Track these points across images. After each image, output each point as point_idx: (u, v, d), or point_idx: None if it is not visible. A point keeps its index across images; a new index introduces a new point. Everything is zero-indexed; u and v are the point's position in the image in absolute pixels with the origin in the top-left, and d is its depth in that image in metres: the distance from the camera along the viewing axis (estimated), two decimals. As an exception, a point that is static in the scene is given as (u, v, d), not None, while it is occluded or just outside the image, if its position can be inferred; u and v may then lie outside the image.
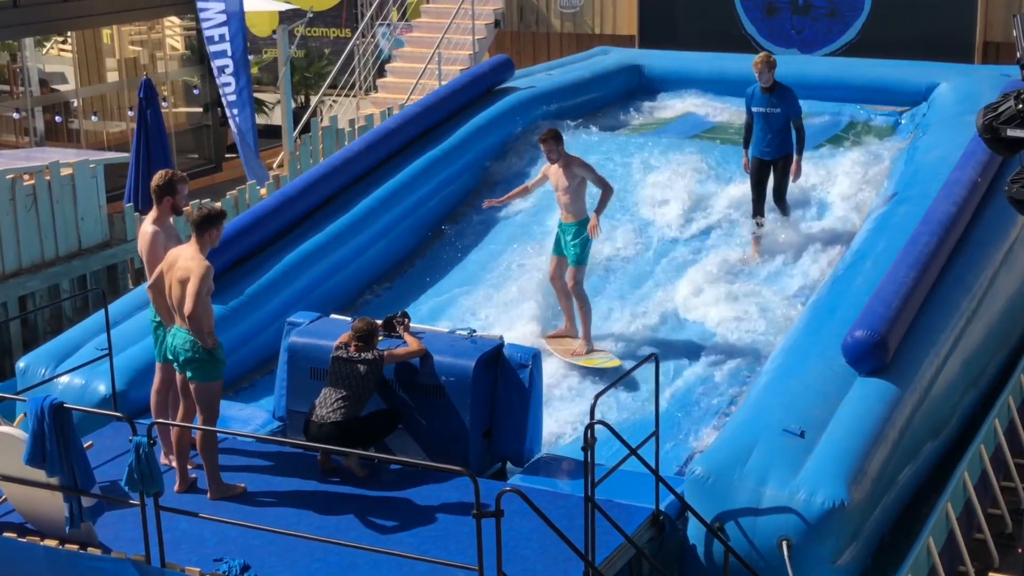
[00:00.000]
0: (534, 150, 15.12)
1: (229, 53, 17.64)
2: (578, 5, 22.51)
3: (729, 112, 16.17)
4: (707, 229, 13.20)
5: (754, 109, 12.65)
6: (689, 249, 12.85)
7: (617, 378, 8.44)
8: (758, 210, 12.77)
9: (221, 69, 17.83)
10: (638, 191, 13.84)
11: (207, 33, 17.77)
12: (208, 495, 8.76)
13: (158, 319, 9.05)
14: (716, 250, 12.74)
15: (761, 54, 12.67)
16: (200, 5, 17.78)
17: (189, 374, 8.72)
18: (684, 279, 12.26)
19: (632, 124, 16.15)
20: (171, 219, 9.22)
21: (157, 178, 9.18)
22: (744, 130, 12.94)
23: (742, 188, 13.69)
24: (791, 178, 12.67)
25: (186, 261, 8.60)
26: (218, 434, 8.88)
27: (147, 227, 9.16)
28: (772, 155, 12.63)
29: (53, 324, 14.53)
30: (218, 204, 8.72)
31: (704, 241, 12.98)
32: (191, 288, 8.48)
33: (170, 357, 8.86)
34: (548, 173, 11.44)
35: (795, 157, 12.59)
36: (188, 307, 8.47)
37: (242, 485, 8.89)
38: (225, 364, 8.84)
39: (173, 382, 9.11)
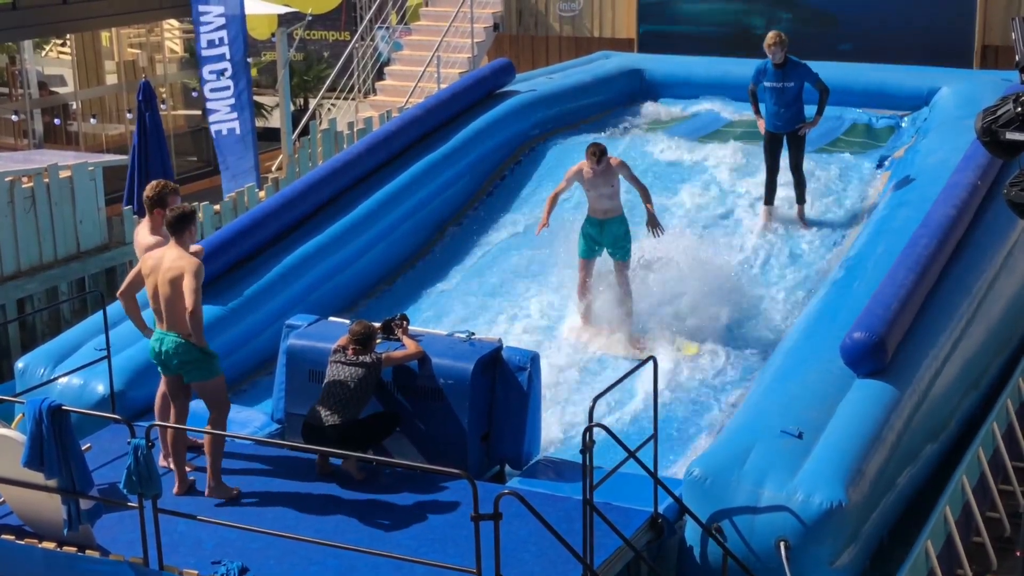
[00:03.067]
0: (535, 154, 15.19)
1: (228, 56, 17.62)
2: (577, 9, 22.52)
3: (735, 113, 16.21)
4: (710, 231, 13.20)
5: (766, 84, 12.95)
6: (691, 251, 12.82)
7: (615, 381, 8.43)
8: (771, 180, 13.13)
9: (220, 72, 17.82)
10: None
11: (204, 37, 17.75)
12: (206, 491, 8.75)
13: None
14: (717, 252, 12.73)
15: (771, 32, 12.91)
16: (199, 8, 17.77)
17: (187, 377, 8.71)
18: (685, 279, 12.24)
19: (639, 125, 16.14)
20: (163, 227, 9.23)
21: (149, 189, 9.23)
22: (751, 97, 13.25)
23: (744, 189, 13.75)
24: (807, 128, 12.96)
25: (174, 261, 8.59)
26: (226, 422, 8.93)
27: (148, 238, 9.13)
28: (785, 128, 12.99)
29: (51, 326, 14.53)
30: (192, 204, 8.81)
31: (706, 243, 12.97)
32: (189, 283, 8.47)
33: (156, 362, 8.85)
34: (582, 177, 11.43)
35: (816, 117, 12.96)
36: (189, 303, 8.46)
37: (236, 489, 8.87)
38: (218, 356, 8.83)
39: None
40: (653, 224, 11.63)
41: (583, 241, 11.62)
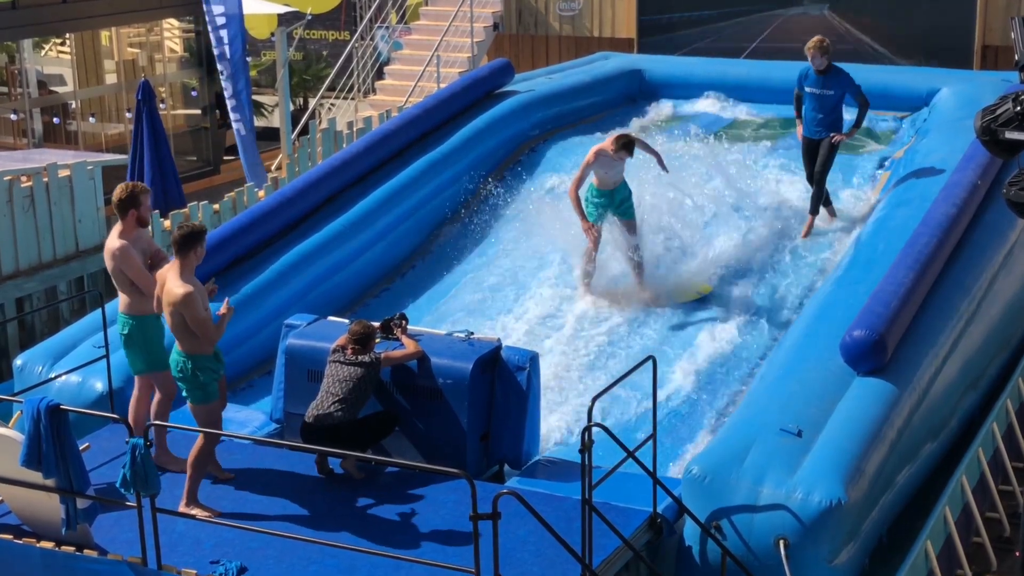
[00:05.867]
0: (534, 154, 15.20)
1: (227, 56, 17.64)
2: (577, 9, 22.52)
3: (735, 114, 16.21)
4: (710, 230, 13.20)
5: (807, 89, 12.79)
6: (691, 249, 12.85)
7: (614, 380, 8.43)
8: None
9: (222, 71, 17.87)
10: (642, 191, 13.86)
11: (211, 35, 17.80)
12: (181, 504, 8.60)
13: (126, 331, 9.02)
14: (717, 252, 12.73)
15: (814, 38, 12.70)
16: (205, 7, 17.81)
17: (185, 394, 8.69)
18: (684, 280, 12.27)
19: (642, 125, 16.13)
20: (138, 230, 9.15)
21: (119, 192, 9.04)
22: (794, 100, 13.07)
23: (747, 189, 13.76)
24: (840, 138, 12.80)
25: (170, 292, 8.50)
26: (213, 449, 8.90)
27: (115, 242, 9.00)
28: (822, 134, 12.82)
29: (50, 326, 14.49)
30: (197, 222, 8.70)
31: (706, 243, 12.97)
32: (190, 319, 8.46)
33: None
34: (601, 163, 11.91)
35: (852, 129, 12.89)
36: (199, 333, 8.47)
37: (211, 510, 8.68)
38: (217, 376, 8.73)
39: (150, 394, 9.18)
40: (663, 165, 12.41)
41: (593, 209, 12.11)
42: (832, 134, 12.75)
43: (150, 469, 7.77)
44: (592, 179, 12.11)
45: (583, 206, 12.05)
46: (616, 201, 12.14)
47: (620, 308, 12.01)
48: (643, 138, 13.30)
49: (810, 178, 13.01)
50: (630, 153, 11.91)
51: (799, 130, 13.08)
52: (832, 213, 13.19)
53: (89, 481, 8.18)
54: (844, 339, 9.56)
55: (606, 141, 12.01)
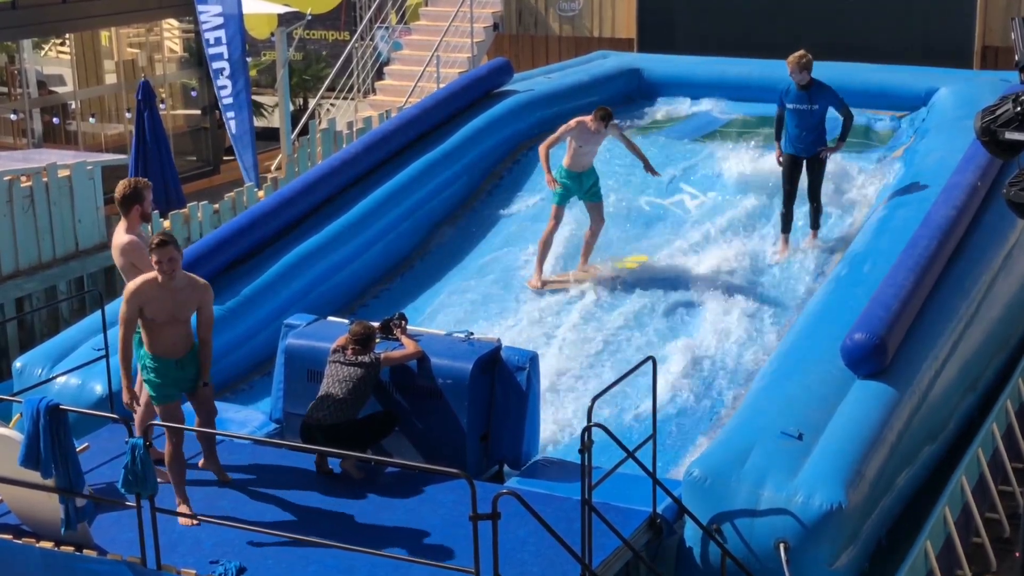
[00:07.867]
0: (532, 154, 15.19)
1: (226, 56, 17.64)
2: (577, 9, 22.52)
3: (732, 114, 16.21)
4: (709, 230, 13.20)
5: (789, 106, 12.58)
6: (690, 250, 12.85)
7: (614, 381, 8.43)
8: (789, 207, 12.76)
9: (219, 71, 17.85)
10: (642, 190, 13.87)
11: (205, 36, 17.79)
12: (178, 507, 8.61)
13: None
14: (717, 252, 12.74)
15: (793, 54, 12.46)
16: (198, 8, 17.80)
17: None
18: (683, 280, 12.27)
19: (639, 124, 16.12)
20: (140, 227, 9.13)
21: (122, 188, 8.97)
22: (776, 122, 12.84)
23: (740, 188, 13.75)
24: (828, 152, 12.65)
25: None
26: (214, 438, 8.93)
27: (124, 237, 8.94)
28: (807, 152, 12.60)
29: (50, 326, 14.51)
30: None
31: (706, 242, 12.97)
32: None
33: None
34: (580, 133, 12.33)
35: (838, 143, 12.74)
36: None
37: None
38: (163, 381, 8.61)
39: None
40: (651, 169, 12.81)
41: (560, 189, 12.53)
42: (819, 149, 12.56)
43: (148, 469, 7.77)
44: (564, 158, 12.47)
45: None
46: (585, 187, 12.54)
47: (620, 307, 11.99)
48: (639, 137, 13.36)
49: (789, 197, 12.71)
50: (606, 125, 12.25)
51: (778, 152, 12.78)
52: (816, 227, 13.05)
53: (84, 482, 8.17)
54: (845, 342, 9.55)
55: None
